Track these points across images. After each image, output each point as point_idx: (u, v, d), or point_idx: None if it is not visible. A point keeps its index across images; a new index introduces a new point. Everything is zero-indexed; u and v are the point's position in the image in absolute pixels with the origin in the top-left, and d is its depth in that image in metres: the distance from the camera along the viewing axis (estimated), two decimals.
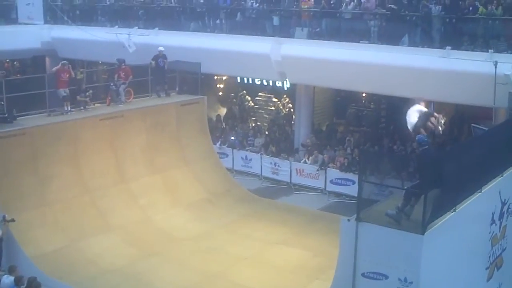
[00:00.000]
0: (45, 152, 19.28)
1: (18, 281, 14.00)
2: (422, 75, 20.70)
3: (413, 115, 14.00)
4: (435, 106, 26.92)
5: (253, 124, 30.67)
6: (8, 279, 14.35)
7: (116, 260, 18.27)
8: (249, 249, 19.36)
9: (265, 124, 30.74)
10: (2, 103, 19.44)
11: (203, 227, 20.79)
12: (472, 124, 19.01)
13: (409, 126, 13.78)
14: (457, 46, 20.53)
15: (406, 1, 22.70)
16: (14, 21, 32.80)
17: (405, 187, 13.41)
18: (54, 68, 20.84)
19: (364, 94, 28.91)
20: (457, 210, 12.74)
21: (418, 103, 16.45)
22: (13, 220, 17.18)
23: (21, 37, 31.15)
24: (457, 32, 21.29)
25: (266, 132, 29.07)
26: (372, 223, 12.28)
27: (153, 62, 23.53)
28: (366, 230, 12.26)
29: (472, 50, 20.40)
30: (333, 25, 24.49)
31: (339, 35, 23.81)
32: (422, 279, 11.69)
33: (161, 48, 23.76)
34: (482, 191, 13.90)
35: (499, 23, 20.70)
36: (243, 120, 31.04)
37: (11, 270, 14.72)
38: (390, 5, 22.70)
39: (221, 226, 20.90)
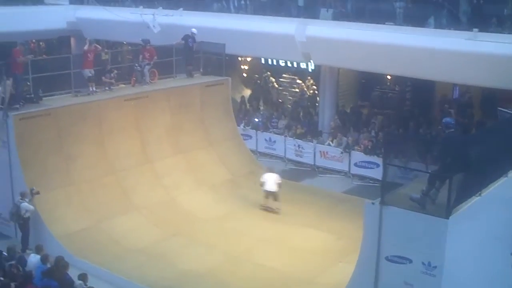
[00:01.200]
0: (70, 132, 19.43)
1: (44, 259, 14.19)
2: (449, 57, 20.48)
3: None
4: (460, 89, 26.79)
5: (277, 106, 30.61)
6: (35, 257, 14.58)
7: (140, 240, 18.41)
8: (273, 231, 19.40)
9: (289, 105, 30.67)
10: (28, 83, 19.58)
11: (227, 208, 20.86)
12: (499, 108, 18.81)
13: None
14: (484, 28, 20.27)
15: None
16: (40, 1, 32.94)
17: (430, 171, 13.34)
18: (86, 47, 20.92)
19: (389, 77, 28.71)
20: (482, 195, 12.68)
21: None
22: (38, 193, 17.47)
23: (47, 17, 31.34)
24: (485, 13, 21.03)
25: (290, 114, 29.01)
26: (397, 207, 12.26)
27: (183, 42, 23.57)
28: (391, 213, 12.24)
29: (500, 32, 20.11)
30: (358, 6, 24.37)
31: (364, 16, 23.65)
32: (447, 264, 11.67)
33: (194, 30, 23.76)
34: (508, 176, 13.80)
35: None
36: (267, 102, 30.98)
37: (38, 249, 14.93)
38: None
39: (245, 208, 20.94)
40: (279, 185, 20.71)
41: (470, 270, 12.65)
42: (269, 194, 20.67)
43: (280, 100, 31.48)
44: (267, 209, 20.75)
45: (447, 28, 21.44)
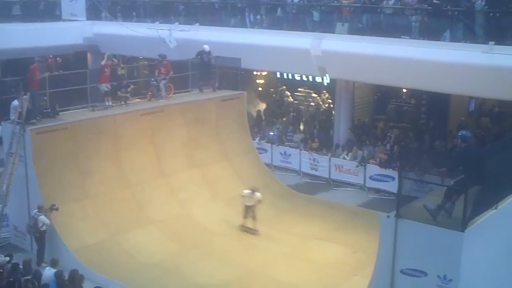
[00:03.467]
0: (86, 146, 19.55)
1: (58, 275, 14.25)
2: (464, 70, 20.41)
3: None
4: (477, 102, 26.69)
5: (292, 120, 30.63)
6: (50, 271, 14.68)
7: (156, 254, 18.45)
8: (288, 244, 19.36)
9: (304, 119, 30.66)
10: (45, 98, 19.74)
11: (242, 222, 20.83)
12: None
13: None
14: (500, 41, 20.14)
15: None
16: (58, 17, 33.31)
17: (446, 184, 13.28)
18: (103, 61, 21.08)
19: (404, 90, 28.67)
20: (498, 208, 12.59)
21: None
22: (57, 209, 17.60)
23: (64, 33, 31.67)
24: (501, 26, 20.92)
25: (302, 127, 29.00)
26: (412, 220, 12.21)
27: (198, 58, 23.69)
28: (406, 226, 12.20)
29: None
30: (374, 20, 24.31)
31: (380, 30, 23.61)
32: (462, 277, 11.58)
33: (206, 46, 23.87)
34: None
35: None
36: (282, 116, 31.02)
37: (53, 263, 15.02)
38: (431, 0, 22.42)
39: (260, 222, 20.89)
40: (259, 202, 20.13)
41: (486, 283, 12.55)
42: (249, 210, 20.10)
43: (293, 113, 31.53)
44: (247, 230, 20.19)
45: (463, 41, 21.35)
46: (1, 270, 14.77)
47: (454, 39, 21.59)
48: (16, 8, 34.13)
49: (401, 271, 12.31)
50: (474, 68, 20.22)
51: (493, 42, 20.00)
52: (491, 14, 21.07)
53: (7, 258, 15.70)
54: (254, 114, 31.09)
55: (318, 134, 27.72)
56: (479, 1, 21.16)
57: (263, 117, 30.95)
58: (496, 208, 12.54)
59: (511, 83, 19.65)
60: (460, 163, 12.69)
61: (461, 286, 11.61)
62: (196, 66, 23.91)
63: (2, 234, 19.02)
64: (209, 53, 23.80)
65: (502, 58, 19.53)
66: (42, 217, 17.29)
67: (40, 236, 17.49)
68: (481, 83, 20.41)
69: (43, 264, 16.75)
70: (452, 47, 21.05)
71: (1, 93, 25.85)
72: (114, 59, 21.83)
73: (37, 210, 17.40)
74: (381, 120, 28.73)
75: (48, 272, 14.69)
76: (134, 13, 32.87)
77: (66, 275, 14.34)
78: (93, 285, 14.46)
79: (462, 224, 11.54)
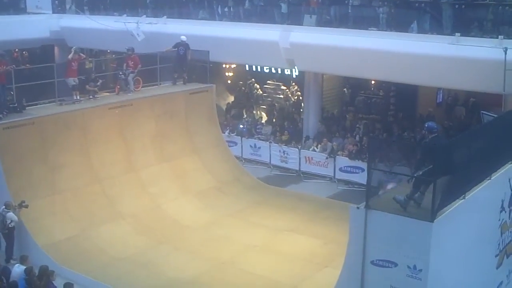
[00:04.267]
0: (54, 141, 19.35)
1: (28, 272, 14.10)
2: (431, 62, 20.60)
3: None
4: (444, 92, 26.96)
5: (262, 112, 30.65)
6: (19, 268, 14.49)
7: (127, 249, 18.35)
8: (259, 237, 19.40)
9: (274, 112, 30.71)
10: (12, 92, 19.48)
11: (213, 215, 20.83)
12: (482, 111, 18.95)
13: None
14: (466, 33, 20.39)
15: None
16: (23, 10, 32.86)
17: (414, 175, 13.38)
18: (70, 55, 20.86)
19: (373, 82, 28.84)
20: (466, 198, 12.72)
21: None
22: (27, 207, 17.38)
23: (30, 26, 31.22)
24: (467, 18, 21.16)
25: (274, 120, 29.03)
26: (381, 211, 12.27)
27: (175, 49, 23.57)
28: (375, 217, 12.25)
29: (482, 37, 20.23)
30: (341, 12, 24.41)
31: (347, 22, 23.74)
32: (432, 266, 11.69)
33: (183, 37, 23.75)
34: (492, 178, 13.87)
35: (509, 9, 20.56)
36: (251, 108, 31.03)
37: (22, 260, 14.85)
38: None
39: (231, 214, 20.93)
40: None
41: (456, 272, 12.69)
42: None
43: (263, 106, 31.57)
44: None
45: (430, 33, 21.55)
46: None
47: (421, 30, 21.82)
48: None
49: (372, 262, 12.38)
50: (441, 59, 20.43)
51: (459, 34, 20.25)
52: (457, 6, 21.31)
53: None
54: (224, 107, 31.05)
55: (288, 126, 27.77)
56: None
57: (232, 110, 30.88)
58: (464, 198, 12.67)
59: (476, 74, 19.94)
60: (428, 153, 12.79)
61: (430, 275, 11.72)
62: (171, 58, 23.77)
63: None
64: (186, 46, 23.65)
65: (468, 49, 19.80)
66: (10, 214, 17.07)
67: (9, 233, 17.26)
68: (447, 74, 20.63)
69: (12, 261, 16.57)
70: (419, 39, 21.27)
71: None
72: (81, 54, 21.62)
73: (4, 207, 17.18)
74: (350, 111, 28.88)
75: (17, 269, 14.51)
76: (101, 6, 32.56)
77: (36, 272, 14.21)
78: (64, 281, 14.33)
79: (431, 215, 11.63)
